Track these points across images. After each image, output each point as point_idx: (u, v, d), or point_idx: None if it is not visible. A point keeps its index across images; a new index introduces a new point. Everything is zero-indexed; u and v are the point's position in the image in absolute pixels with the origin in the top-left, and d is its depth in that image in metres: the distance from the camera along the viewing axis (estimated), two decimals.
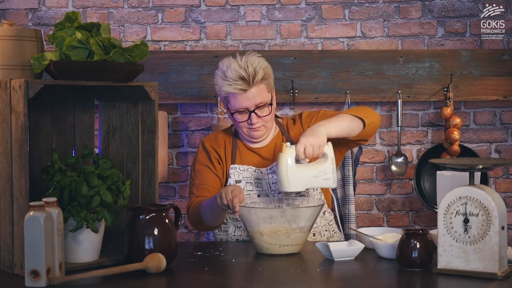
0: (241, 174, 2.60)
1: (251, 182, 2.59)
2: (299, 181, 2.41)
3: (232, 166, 2.62)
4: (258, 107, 2.56)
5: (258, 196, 2.57)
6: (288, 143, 2.43)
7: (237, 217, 2.34)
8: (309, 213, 2.31)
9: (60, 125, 2.36)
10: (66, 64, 2.06)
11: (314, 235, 2.60)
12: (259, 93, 2.55)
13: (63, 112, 2.37)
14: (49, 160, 2.24)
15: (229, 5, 3.54)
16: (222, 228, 2.61)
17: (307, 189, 2.54)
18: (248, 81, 2.52)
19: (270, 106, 2.59)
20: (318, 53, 3.48)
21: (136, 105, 2.28)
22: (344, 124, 2.52)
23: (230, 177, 2.60)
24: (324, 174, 2.43)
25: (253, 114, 2.56)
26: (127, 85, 2.18)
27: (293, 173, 2.39)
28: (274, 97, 2.65)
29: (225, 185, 2.61)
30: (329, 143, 2.44)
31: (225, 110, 2.70)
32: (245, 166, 2.62)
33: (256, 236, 2.31)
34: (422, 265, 2.05)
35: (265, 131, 2.63)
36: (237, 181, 2.59)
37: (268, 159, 2.64)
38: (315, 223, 2.60)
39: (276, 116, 2.76)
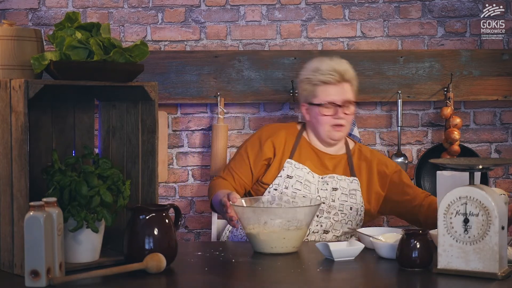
0: (294, 170, 2.65)
1: (301, 182, 2.63)
2: None
3: (288, 160, 2.67)
4: (345, 104, 2.67)
5: (304, 197, 2.59)
6: None
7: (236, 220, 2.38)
8: (304, 212, 2.32)
9: (60, 125, 2.36)
10: (66, 64, 2.06)
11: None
12: (349, 91, 2.70)
13: (63, 112, 2.36)
14: (49, 160, 2.24)
15: (229, 5, 3.54)
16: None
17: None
18: (341, 75, 2.67)
19: (355, 106, 2.71)
20: (318, 53, 3.48)
21: (136, 105, 2.28)
22: None
23: (284, 170, 2.66)
24: None
25: (340, 108, 2.66)
26: (127, 85, 2.18)
27: None
28: None
29: (277, 175, 2.66)
30: None
31: (302, 110, 2.77)
32: (301, 164, 2.66)
33: (252, 235, 2.32)
34: (422, 265, 2.05)
35: (344, 133, 2.72)
36: (289, 176, 2.64)
37: (325, 167, 2.69)
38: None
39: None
